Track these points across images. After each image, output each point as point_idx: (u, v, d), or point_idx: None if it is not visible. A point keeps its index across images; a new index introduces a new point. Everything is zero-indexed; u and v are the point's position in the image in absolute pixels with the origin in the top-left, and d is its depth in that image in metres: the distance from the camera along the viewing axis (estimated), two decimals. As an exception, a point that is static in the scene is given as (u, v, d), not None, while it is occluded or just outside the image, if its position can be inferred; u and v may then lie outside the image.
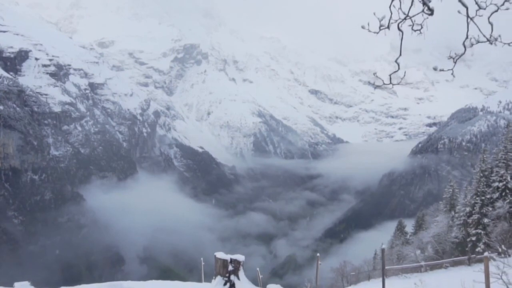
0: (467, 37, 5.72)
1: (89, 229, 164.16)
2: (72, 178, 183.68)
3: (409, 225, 61.31)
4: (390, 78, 6.42)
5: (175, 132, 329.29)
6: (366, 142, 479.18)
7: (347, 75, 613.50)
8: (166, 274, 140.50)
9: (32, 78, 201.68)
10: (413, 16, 5.55)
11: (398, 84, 6.56)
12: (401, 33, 5.71)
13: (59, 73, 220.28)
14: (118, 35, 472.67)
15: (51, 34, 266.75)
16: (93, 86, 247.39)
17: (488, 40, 5.62)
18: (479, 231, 34.70)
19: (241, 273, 10.88)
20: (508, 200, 34.40)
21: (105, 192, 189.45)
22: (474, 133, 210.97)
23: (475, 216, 35.91)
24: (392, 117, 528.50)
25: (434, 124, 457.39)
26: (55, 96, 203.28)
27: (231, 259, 10.96)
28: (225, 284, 10.73)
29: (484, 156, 39.41)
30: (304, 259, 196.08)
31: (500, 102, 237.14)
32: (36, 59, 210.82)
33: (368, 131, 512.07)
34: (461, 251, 34.91)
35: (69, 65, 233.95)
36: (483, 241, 32.70)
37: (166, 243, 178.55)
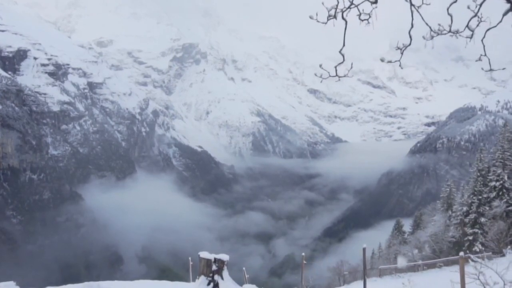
0: (412, 26, 5.57)
1: (88, 229, 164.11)
2: (70, 177, 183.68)
3: (408, 225, 61.49)
4: (336, 70, 6.25)
5: (174, 132, 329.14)
6: (365, 141, 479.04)
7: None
8: (165, 273, 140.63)
9: (30, 78, 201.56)
10: (359, 4, 5.40)
11: (345, 76, 6.33)
12: (345, 22, 5.53)
13: (58, 72, 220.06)
14: (116, 35, 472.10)
15: (50, 33, 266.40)
16: (91, 86, 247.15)
17: (431, 34, 5.50)
18: (476, 230, 34.83)
19: (225, 272, 10.72)
20: (505, 200, 34.54)
21: (103, 192, 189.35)
22: (472, 133, 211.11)
23: (472, 216, 36.05)
24: (391, 116, 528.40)
25: (433, 123, 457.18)
26: (53, 96, 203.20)
27: (215, 258, 10.83)
28: (208, 283, 10.60)
29: (482, 155, 39.53)
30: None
31: (498, 101, 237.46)
32: (35, 58, 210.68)
33: (366, 130, 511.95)
34: (458, 250, 35.01)
35: (67, 64, 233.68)
36: (480, 240, 32.84)
37: (164, 243, 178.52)
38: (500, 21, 5.15)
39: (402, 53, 5.87)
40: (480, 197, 36.47)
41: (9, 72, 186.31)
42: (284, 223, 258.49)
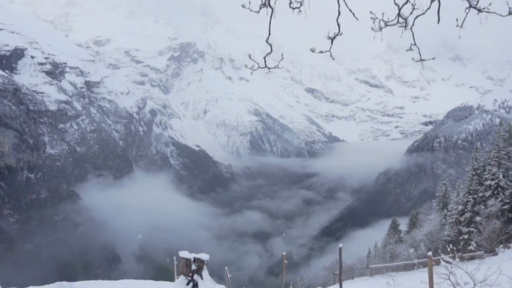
0: (339, 14, 5.40)
1: (85, 228, 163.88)
2: (68, 176, 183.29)
3: (405, 223, 61.66)
4: (265, 61, 5.98)
5: (171, 131, 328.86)
6: (362, 140, 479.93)
7: (343, 74, 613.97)
8: (162, 272, 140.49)
9: (28, 77, 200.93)
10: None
11: (276, 67, 6.16)
12: (271, 10, 5.43)
13: (55, 71, 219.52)
14: (114, 33, 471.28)
15: (47, 32, 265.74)
16: (89, 85, 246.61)
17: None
18: (471, 229, 34.96)
19: (204, 272, 10.63)
20: (500, 198, 34.67)
21: (101, 191, 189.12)
22: (469, 132, 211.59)
23: (467, 215, 36.18)
24: (388, 115, 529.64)
25: (430, 122, 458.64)
26: (51, 95, 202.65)
27: (194, 258, 10.80)
28: (188, 283, 10.56)
29: (477, 154, 39.67)
30: (300, 258, 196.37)
31: (495, 100, 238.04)
32: (32, 57, 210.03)
33: (364, 129, 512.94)
34: (453, 249, 35.10)
35: (65, 63, 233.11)
36: (475, 239, 32.97)
37: (162, 242, 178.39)
38: (429, 8, 4.99)
39: (332, 43, 5.62)
40: (475, 196, 36.63)
41: (6, 71, 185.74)
42: (281, 222, 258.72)
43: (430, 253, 9.92)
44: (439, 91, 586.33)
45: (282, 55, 5.89)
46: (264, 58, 6.01)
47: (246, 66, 6.31)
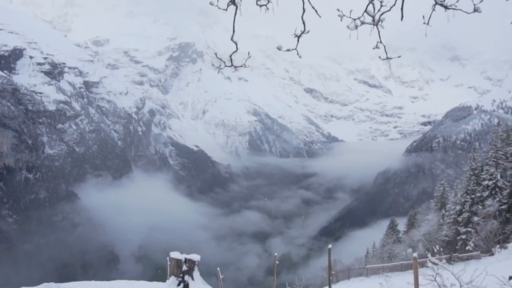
0: (304, 11, 5.33)
1: (84, 228, 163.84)
2: (66, 176, 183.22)
3: (403, 224, 61.74)
4: (232, 60, 6.04)
5: (170, 131, 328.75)
6: (361, 140, 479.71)
7: (342, 74, 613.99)
8: (161, 273, 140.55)
9: (26, 77, 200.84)
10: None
11: (242, 66, 6.09)
12: (235, 7, 5.35)
13: (54, 71, 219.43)
14: (113, 33, 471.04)
15: (46, 32, 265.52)
16: (88, 85, 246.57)
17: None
18: (469, 229, 35.06)
19: (195, 273, 10.57)
20: (497, 199, 34.75)
21: (100, 191, 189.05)
22: (468, 132, 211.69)
23: (465, 215, 36.27)
24: (387, 115, 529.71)
25: (429, 122, 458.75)
26: (49, 95, 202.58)
27: (185, 258, 10.80)
28: (178, 284, 10.52)
29: (475, 154, 39.76)
30: (299, 258, 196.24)
31: (494, 101, 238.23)
32: (31, 57, 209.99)
33: (363, 129, 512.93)
34: (451, 249, 35.26)
35: (63, 63, 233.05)
36: (473, 239, 33.07)
37: (161, 242, 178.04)
38: (394, 5, 4.98)
39: (298, 41, 5.67)
40: (473, 196, 36.72)
41: (5, 71, 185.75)
42: (280, 222, 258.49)
43: (415, 254, 9.96)
44: (437, 91, 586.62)
45: (248, 53, 5.90)
46: (230, 56, 6.09)
47: (213, 65, 6.34)
